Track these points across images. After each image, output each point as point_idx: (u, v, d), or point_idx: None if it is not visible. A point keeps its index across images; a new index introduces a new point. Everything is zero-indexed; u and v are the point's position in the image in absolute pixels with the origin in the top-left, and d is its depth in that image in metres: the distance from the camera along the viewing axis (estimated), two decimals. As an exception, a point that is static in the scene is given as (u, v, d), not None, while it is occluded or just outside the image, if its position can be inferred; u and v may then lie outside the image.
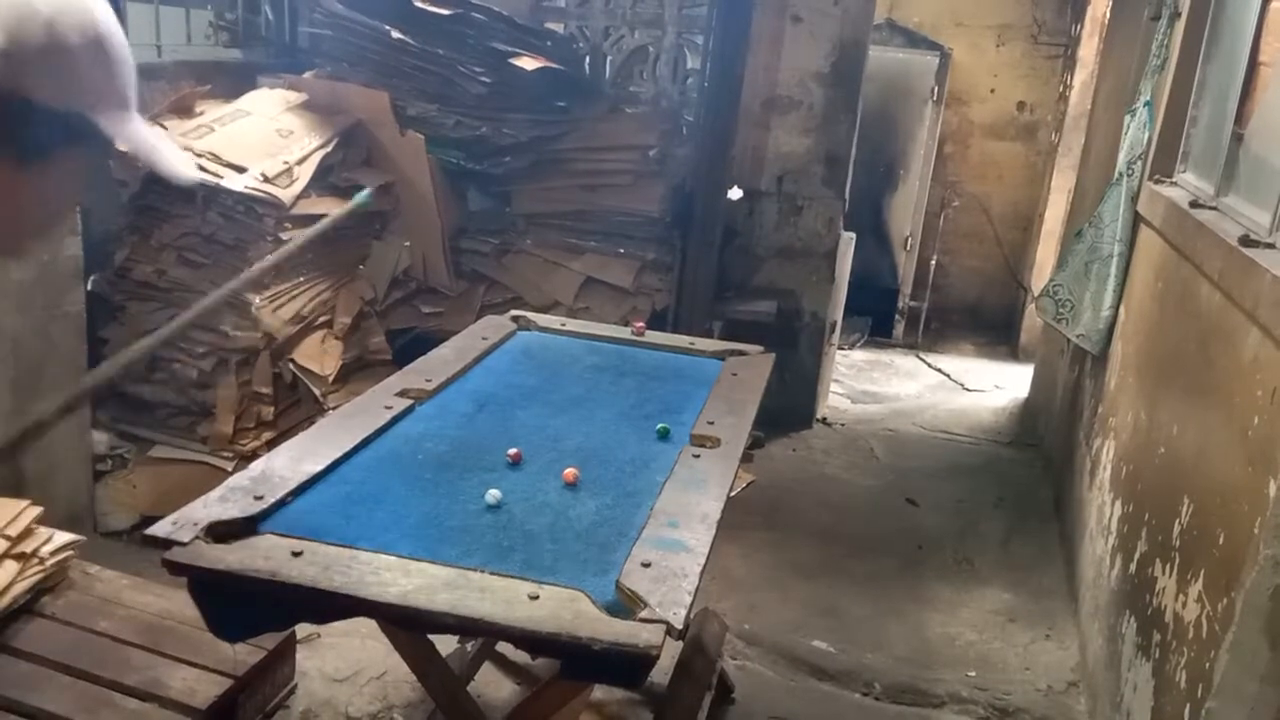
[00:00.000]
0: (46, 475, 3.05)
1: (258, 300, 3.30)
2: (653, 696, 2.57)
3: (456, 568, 1.54)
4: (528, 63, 3.94)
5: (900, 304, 6.70)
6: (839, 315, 5.17)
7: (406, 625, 1.67)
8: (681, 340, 2.88)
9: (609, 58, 4.35)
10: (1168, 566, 2.38)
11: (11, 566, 2.42)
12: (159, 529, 1.54)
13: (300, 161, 3.51)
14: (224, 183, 3.24)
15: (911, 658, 3.14)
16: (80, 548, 2.63)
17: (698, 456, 2.02)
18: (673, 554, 1.60)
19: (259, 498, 1.67)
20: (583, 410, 2.27)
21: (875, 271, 6.56)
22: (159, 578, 2.11)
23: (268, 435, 3.36)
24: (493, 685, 2.73)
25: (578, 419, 2.22)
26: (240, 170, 3.31)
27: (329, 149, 3.67)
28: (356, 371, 3.72)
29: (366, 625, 2.01)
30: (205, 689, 2.29)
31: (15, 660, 2.32)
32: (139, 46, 3.46)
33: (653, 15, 4.24)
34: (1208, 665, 1.97)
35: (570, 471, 1.90)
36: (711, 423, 2.18)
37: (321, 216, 3.54)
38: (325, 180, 3.64)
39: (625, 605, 1.47)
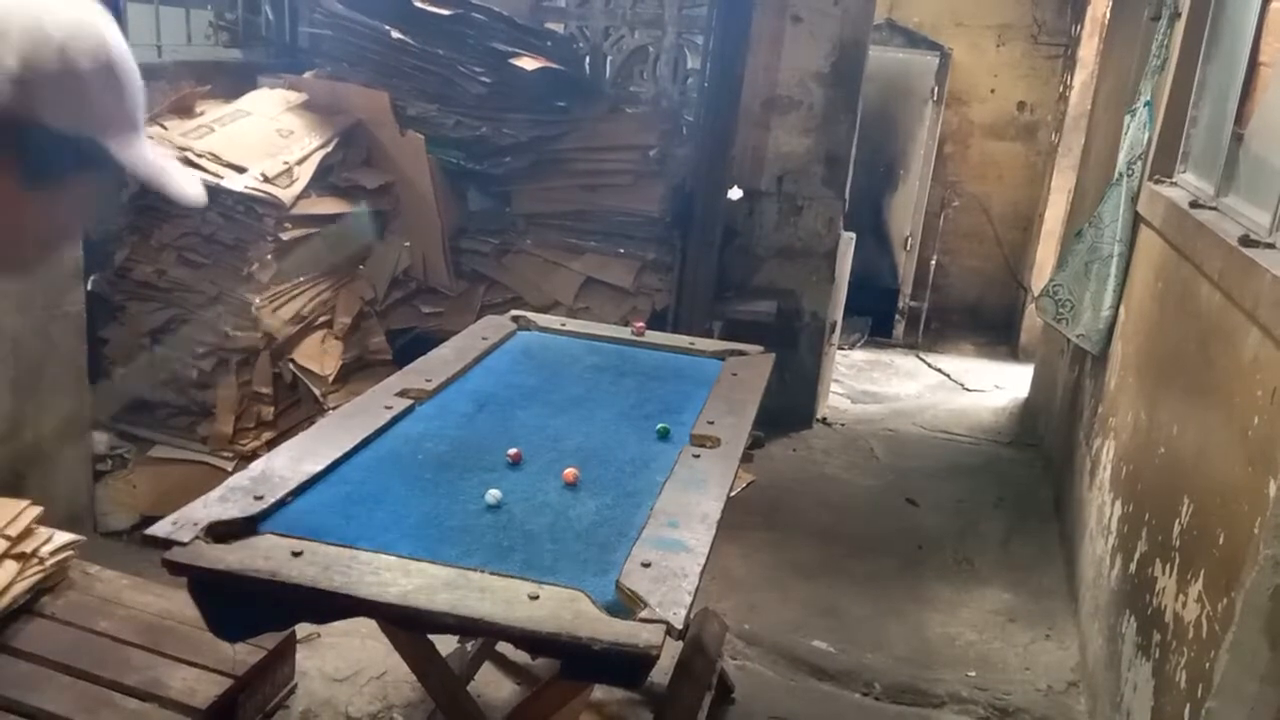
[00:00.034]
0: (46, 475, 3.05)
1: (258, 300, 3.30)
2: (653, 696, 2.57)
3: (456, 568, 1.54)
4: (528, 63, 3.94)
5: (900, 304, 6.70)
6: (839, 315, 5.17)
7: (406, 625, 1.67)
8: (681, 340, 2.88)
9: (609, 58, 4.35)
10: (1168, 566, 2.38)
11: (11, 566, 2.42)
12: (159, 529, 1.54)
13: (300, 161, 3.51)
14: (224, 183, 3.24)
15: (911, 658, 3.14)
16: (80, 548, 2.63)
17: (698, 456, 2.02)
18: (673, 554, 1.60)
19: (259, 498, 1.67)
20: (583, 410, 2.27)
21: (875, 271, 6.56)
22: (159, 578, 2.11)
23: (268, 435, 3.36)
24: (493, 685, 2.72)
25: (578, 419, 2.22)
26: (240, 170, 3.31)
27: (329, 149, 3.67)
28: (356, 371, 3.72)
29: (366, 625, 2.01)
30: (205, 689, 2.29)
31: (15, 660, 2.32)
32: (139, 46, 3.46)
33: (653, 15, 4.24)
34: (1208, 665, 1.97)
35: (570, 471, 1.90)
36: (711, 423, 2.19)
37: (321, 216, 3.58)
38: (325, 180, 3.65)
39: (625, 605, 1.46)
